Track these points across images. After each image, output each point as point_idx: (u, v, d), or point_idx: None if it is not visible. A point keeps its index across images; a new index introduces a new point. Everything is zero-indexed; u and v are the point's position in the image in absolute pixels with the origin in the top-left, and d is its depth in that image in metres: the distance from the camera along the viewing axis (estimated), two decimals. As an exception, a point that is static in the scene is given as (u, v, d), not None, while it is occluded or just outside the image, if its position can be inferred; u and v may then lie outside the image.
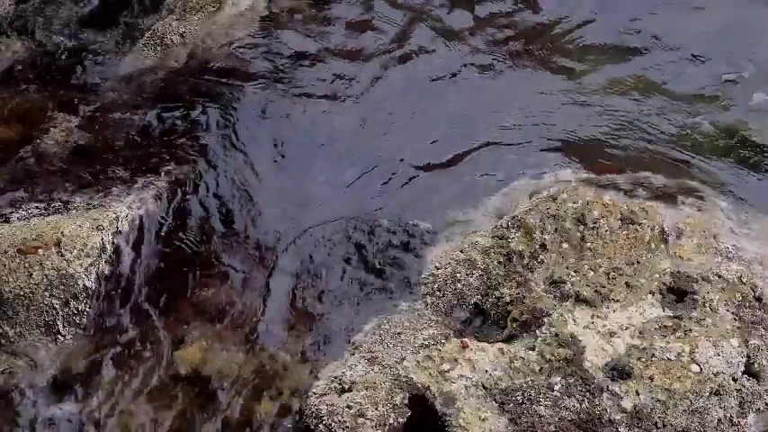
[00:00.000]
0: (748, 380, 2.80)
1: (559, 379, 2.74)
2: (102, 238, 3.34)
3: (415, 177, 3.71)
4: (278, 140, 3.95)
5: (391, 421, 2.67)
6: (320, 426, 2.66)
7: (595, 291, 2.97)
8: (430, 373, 2.77)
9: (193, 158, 3.85)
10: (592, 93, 3.96)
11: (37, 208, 3.58)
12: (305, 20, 4.49)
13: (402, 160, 3.77)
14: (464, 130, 3.86)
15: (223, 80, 4.22)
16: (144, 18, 4.59)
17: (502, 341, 2.93)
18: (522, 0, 4.47)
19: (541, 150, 3.71)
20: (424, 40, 4.33)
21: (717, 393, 2.73)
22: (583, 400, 2.70)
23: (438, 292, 3.11)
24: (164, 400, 3.09)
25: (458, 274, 3.11)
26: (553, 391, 2.71)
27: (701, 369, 2.73)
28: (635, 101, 3.90)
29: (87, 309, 3.27)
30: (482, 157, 3.74)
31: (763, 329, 2.87)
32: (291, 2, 4.57)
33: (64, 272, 3.24)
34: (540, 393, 2.71)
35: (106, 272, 3.33)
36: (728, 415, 2.74)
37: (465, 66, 4.17)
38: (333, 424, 2.65)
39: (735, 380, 2.77)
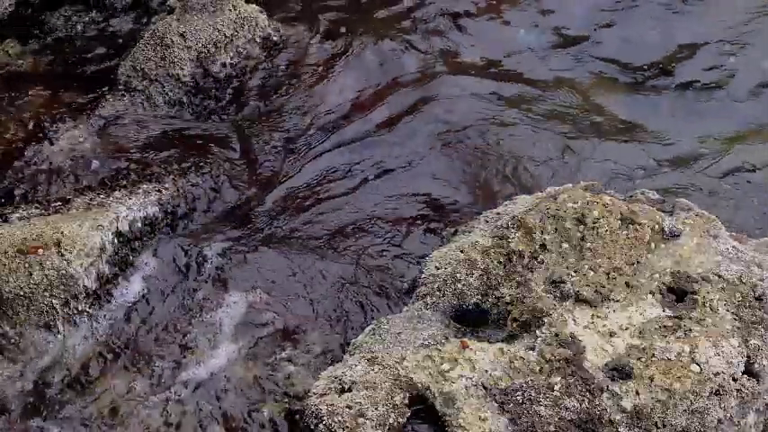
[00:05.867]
0: (748, 380, 2.80)
1: (559, 379, 2.73)
2: (102, 238, 3.34)
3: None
4: (286, 152, 4.01)
5: (391, 421, 2.67)
6: (320, 426, 2.66)
7: (595, 291, 2.97)
8: (430, 373, 2.77)
9: (199, 167, 3.88)
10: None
11: (37, 208, 3.58)
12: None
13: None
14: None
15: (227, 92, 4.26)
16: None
17: (502, 341, 2.93)
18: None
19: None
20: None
21: (717, 393, 2.73)
22: (583, 400, 2.69)
23: (438, 292, 3.11)
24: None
25: (458, 274, 3.11)
26: (553, 391, 2.71)
27: (701, 369, 2.73)
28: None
29: (88, 309, 3.28)
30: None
31: (763, 329, 2.87)
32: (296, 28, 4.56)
33: (64, 272, 3.23)
34: (540, 393, 2.70)
35: (107, 272, 3.34)
36: (728, 415, 2.74)
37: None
38: (333, 424, 2.64)
39: (735, 380, 2.77)
